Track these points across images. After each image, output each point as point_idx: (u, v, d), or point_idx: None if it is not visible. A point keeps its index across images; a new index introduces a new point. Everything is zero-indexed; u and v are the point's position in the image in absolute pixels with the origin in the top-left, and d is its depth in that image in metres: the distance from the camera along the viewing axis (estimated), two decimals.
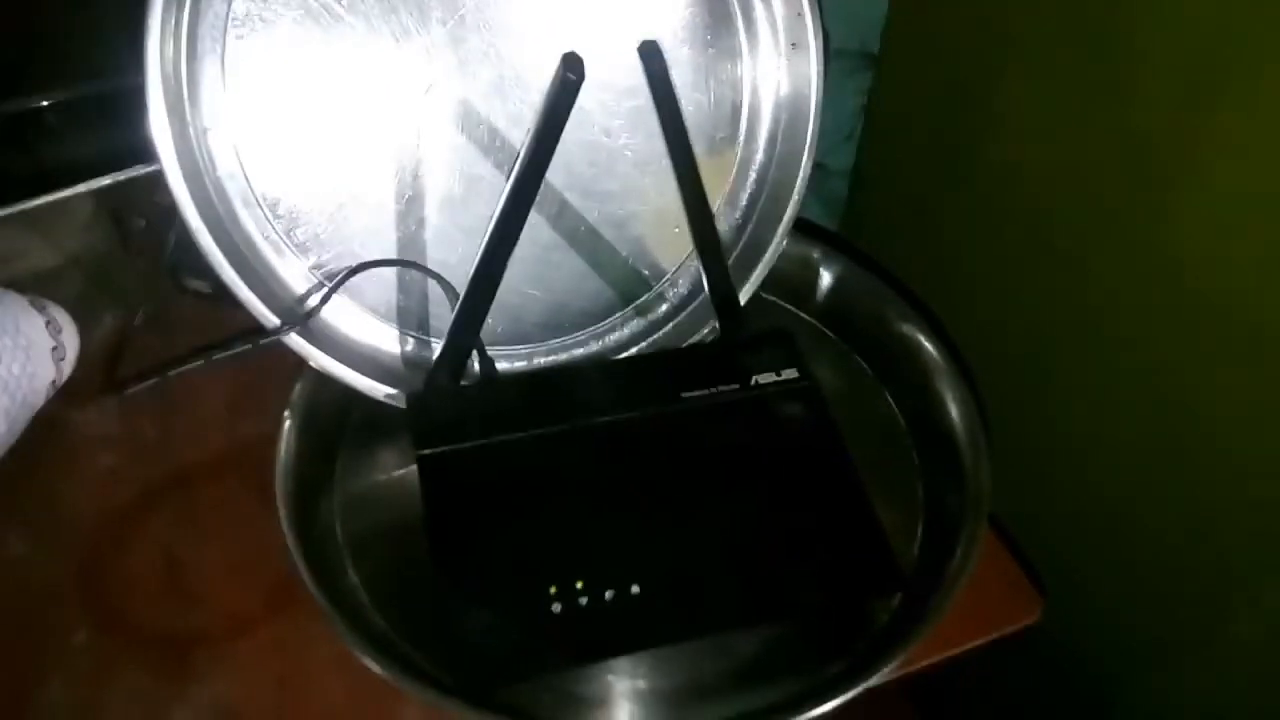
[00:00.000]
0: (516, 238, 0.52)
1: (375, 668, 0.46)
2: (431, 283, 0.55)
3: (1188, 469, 0.57)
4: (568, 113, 0.48)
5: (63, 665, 0.49)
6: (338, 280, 0.53)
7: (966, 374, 0.59)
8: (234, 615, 0.51)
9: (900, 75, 0.74)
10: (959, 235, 0.72)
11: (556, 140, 0.49)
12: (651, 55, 0.51)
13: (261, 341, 0.51)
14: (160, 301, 0.63)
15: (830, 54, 0.68)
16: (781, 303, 0.67)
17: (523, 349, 0.59)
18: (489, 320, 0.55)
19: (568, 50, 0.47)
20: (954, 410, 0.58)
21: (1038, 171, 0.62)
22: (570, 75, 0.47)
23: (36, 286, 0.59)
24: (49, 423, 0.57)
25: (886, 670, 0.46)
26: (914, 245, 0.77)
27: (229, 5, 0.48)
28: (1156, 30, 0.51)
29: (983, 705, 0.90)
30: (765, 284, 0.61)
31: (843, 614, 0.52)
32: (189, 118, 0.49)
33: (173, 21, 0.47)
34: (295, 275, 0.54)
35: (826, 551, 0.50)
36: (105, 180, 0.59)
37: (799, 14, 0.56)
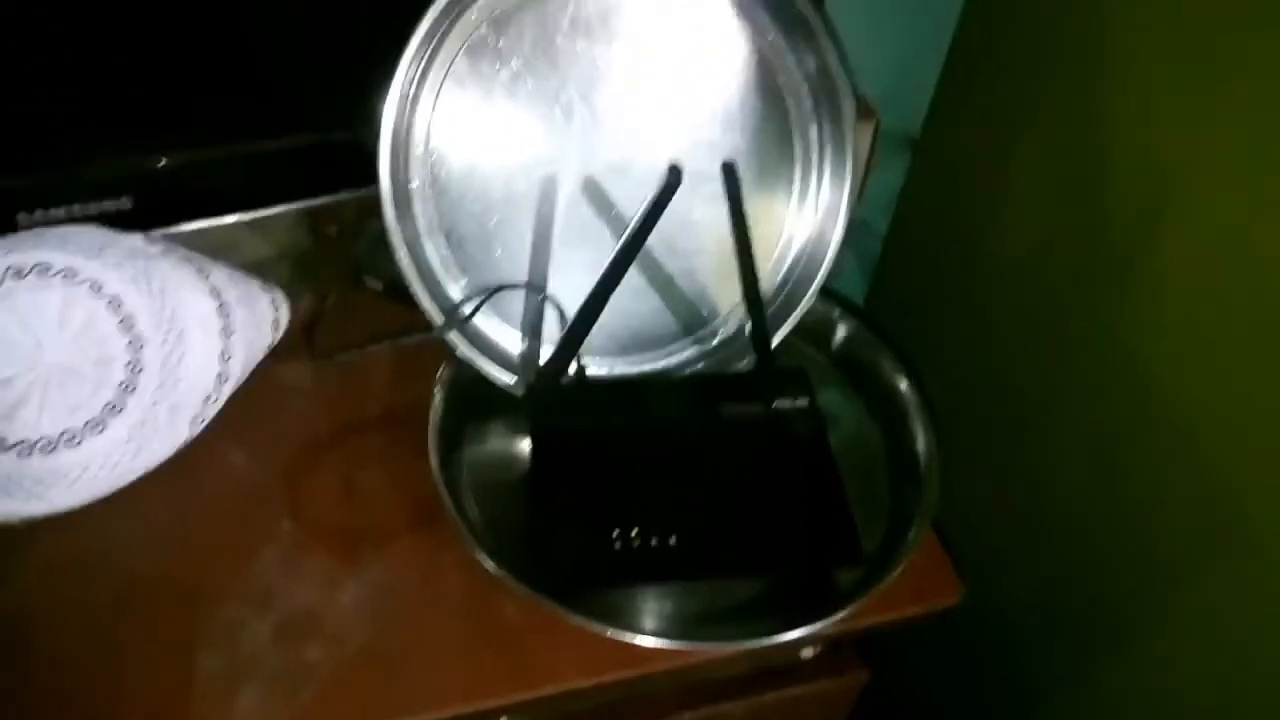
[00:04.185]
0: (618, 282, 0.73)
1: (489, 566, 0.67)
2: (548, 304, 0.76)
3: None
4: (667, 203, 0.69)
5: (272, 541, 0.71)
6: (488, 294, 0.75)
7: (933, 413, 0.79)
8: (390, 526, 0.72)
9: (934, 161, 0.96)
10: (961, 301, 0.94)
11: (657, 220, 0.70)
12: (729, 172, 0.72)
13: (432, 334, 0.72)
14: (344, 292, 0.84)
15: (880, 135, 0.87)
16: (805, 346, 0.87)
17: (606, 359, 0.81)
18: None
19: (673, 160, 0.69)
20: (920, 440, 0.78)
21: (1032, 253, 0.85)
22: (672, 179, 0.68)
23: (257, 272, 0.81)
24: (264, 374, 0.78)
25: (839, 617, 0.66)
26: (929, 302, 1.00)
27: (446, 70, 0.69)
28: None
29: (930, 677, 1.12)
30: (795, 330, 0.81)
31: (816, 574, 0.72)
32: (400, 171, 0.71)
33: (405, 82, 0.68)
34: (454, 288, 0.75)
35: (808, 528, 0.70)
36: (318, 200, 0.81)
37: (842, 156, 0.76)
